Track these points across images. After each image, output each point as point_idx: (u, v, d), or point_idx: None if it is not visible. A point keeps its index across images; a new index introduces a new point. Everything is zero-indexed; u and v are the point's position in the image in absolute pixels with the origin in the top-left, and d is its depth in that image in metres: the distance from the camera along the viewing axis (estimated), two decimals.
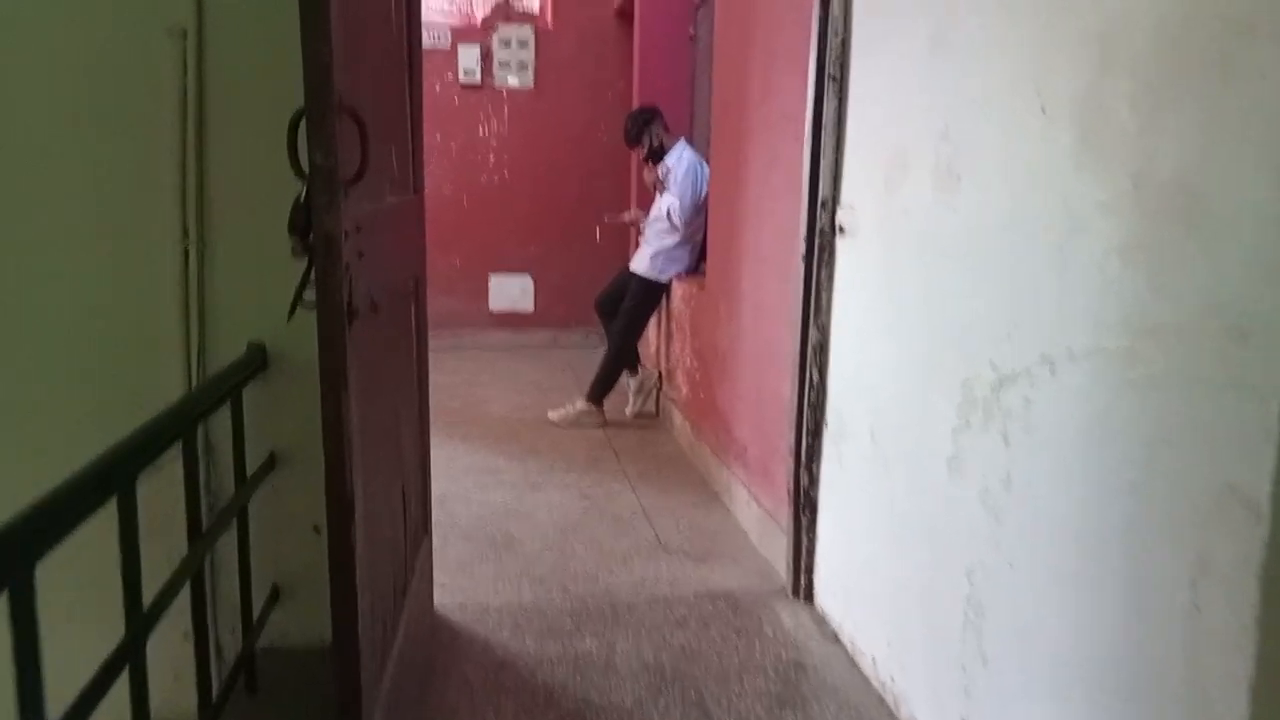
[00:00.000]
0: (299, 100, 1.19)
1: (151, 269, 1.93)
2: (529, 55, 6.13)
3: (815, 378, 2.46)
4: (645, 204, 4.84)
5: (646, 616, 2.46)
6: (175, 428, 1.43)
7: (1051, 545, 1.47)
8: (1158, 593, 1.24)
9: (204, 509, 1.99)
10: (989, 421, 1.64)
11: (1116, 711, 1.32)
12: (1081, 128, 1.39)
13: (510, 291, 6.47)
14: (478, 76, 6.10)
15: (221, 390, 1.71)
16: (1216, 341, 1.13)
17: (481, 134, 6.25)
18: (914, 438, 1.95)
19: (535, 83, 6.19)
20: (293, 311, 1.33)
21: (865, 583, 2.23)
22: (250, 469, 1.86)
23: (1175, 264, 1.20)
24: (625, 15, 5.91)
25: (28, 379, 1.93)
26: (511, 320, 6.50)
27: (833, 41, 2.35)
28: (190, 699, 1.62)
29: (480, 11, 6.08)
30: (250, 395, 1.87)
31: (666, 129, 4.60)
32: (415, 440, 2.01)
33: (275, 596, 2.02)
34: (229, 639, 1.98)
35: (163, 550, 1.42)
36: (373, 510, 1.48)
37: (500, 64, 6.12)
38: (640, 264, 4.59)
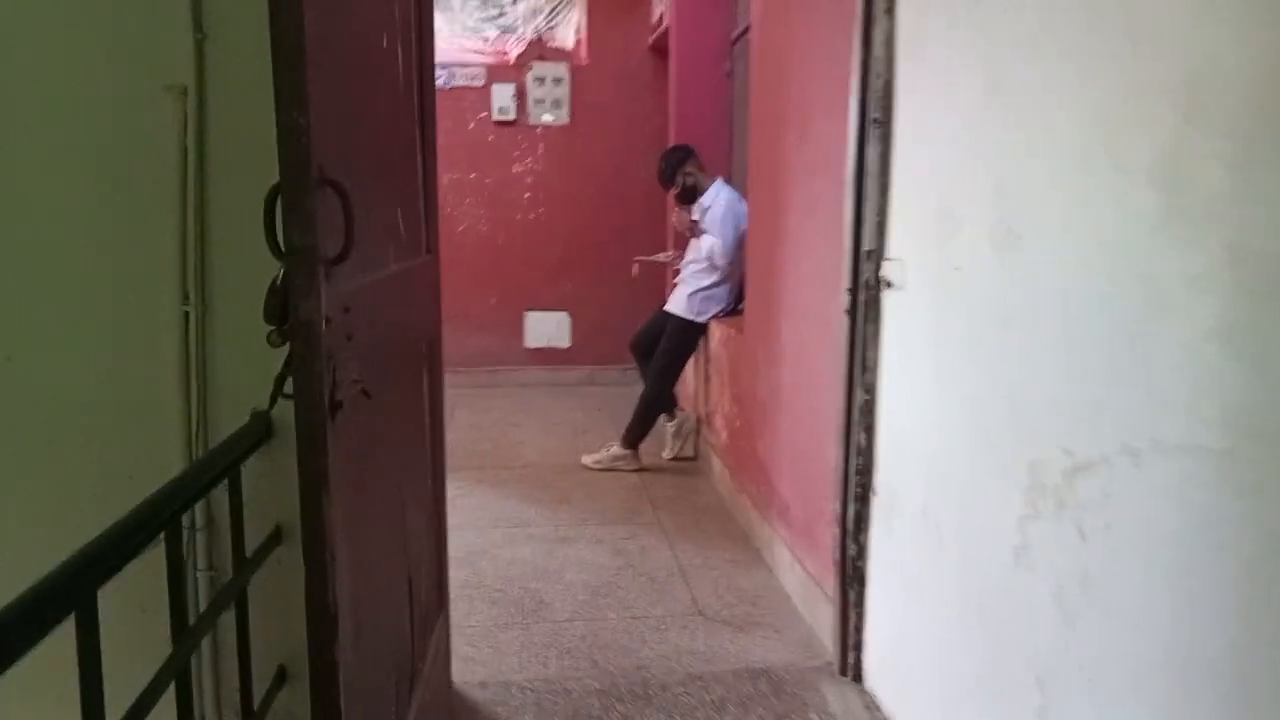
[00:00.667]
0: None
1: (150, 333, 1.83)
2: (564, 92, 6.06)
3: (862, 441, 2.28)
4: (681, 244, 4.70)
5: (681, 698, 2.29)
6: (155, 520, 1.31)
7: (1138, 664, 1.28)
8: None
9: (204, 588, 1.88)
10: (1061, 511, 1.46)
11: None
12: (1165, 190, 1.22)
13: (546, 328, 6.36)
14: (513, 113, 6.04)
15: (220, 465, 1.58)
16: None
17: (516, 171, 6.18)
18: (974, 518, 1.76)
19: (570, 119, 6.11)
20: (273, 403, 1.20)
21: (921, 669, 2.03)
22: (256, 543, 1.74)
23: None
24: (660, 50, 5.81)
25: (22, 447, 1.84)
26: (547, 357, 6.39)
27: (875, 84, 2.19)
28: None
29: (515, 49, 6.03)
30: (254, 466, 1.75)
31: (702, 168, 4.46)
32: (428, 517, 1.88)
33: (282, 678, 1.89)
34: None
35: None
36: (368, 611, 1.34)
37: (535, 101, 6.06)
38: (678, 304, 4.45)
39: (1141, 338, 1.27)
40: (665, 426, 4.56)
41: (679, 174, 4.44)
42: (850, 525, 2.32)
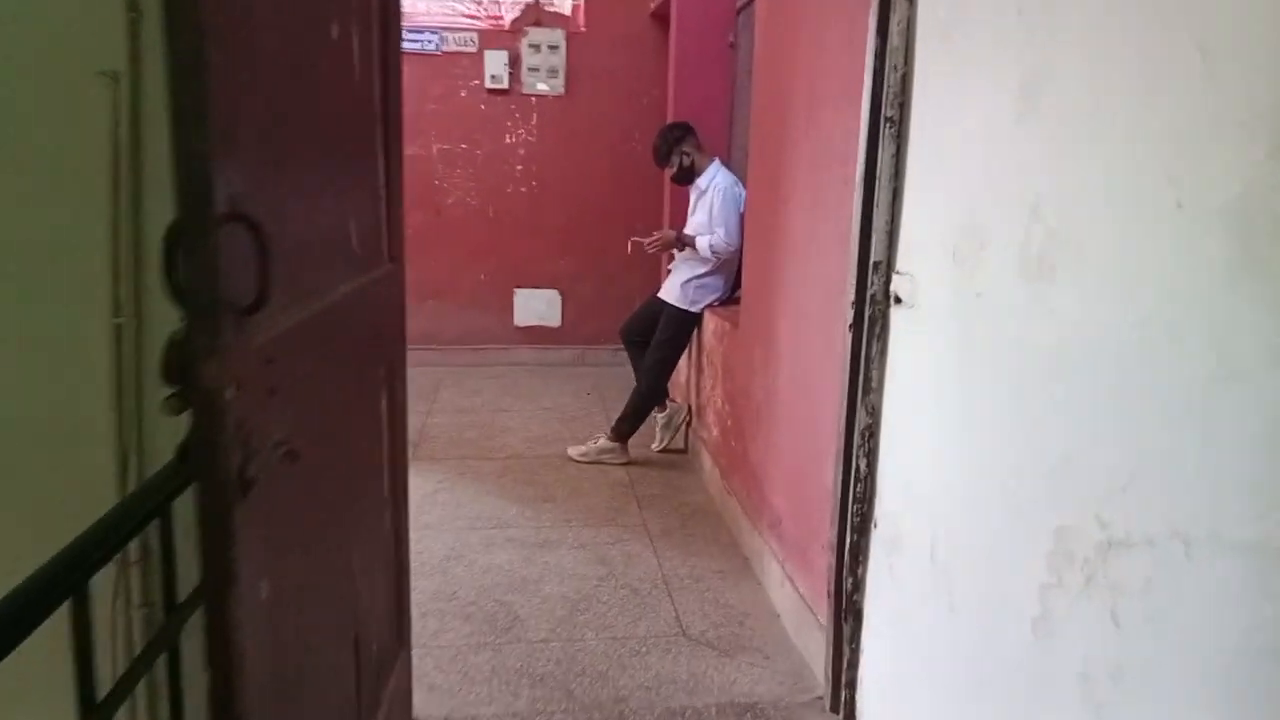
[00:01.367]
0: None
1: (78, 347, 1.64)
2: (559, 60, 5.80)
3: (863, 467, 2.10)
4: (679, 222, 4.48)
5: None
6: (55, 589, 1.13)
7: None
8: None
9: (139, 629, 1.71)
10: (1091, 589, 1.29)
11: None
12: (1241, 238, 1.03)
13: (537, 306, 6.16)
14: (505, 82, 5.78)
15: (142, 511, 1.40)
16: None
17: (509, 142, 5.94)
18: (988, 576, 1.59)
19: (566, 89, 5.86)
20: (176, 486, 1.01)
21: None
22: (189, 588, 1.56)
23: None
24: (662, 19, 5.55)
25: None
26: (537, 336, 6.19)
27: (890, 77, 1.98)
28: None
29: (509, 13, 5.76)
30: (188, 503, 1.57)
31: (700, 147, 4.23)
32: (385, 560, 1.70)
33: None
34: None
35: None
36: (295, 694, 1.17)
37: (529, 69, 5.80)
38: (671, 293, 4.25)
39: (1202, 408, 1.09)
40: (656, 417, 4.38)
41: (676, 152, 4.21)
42: (847, 557, 2.15)
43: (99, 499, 1.48)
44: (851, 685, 2.21)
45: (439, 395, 5.18)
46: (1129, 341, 1.24)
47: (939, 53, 1.85)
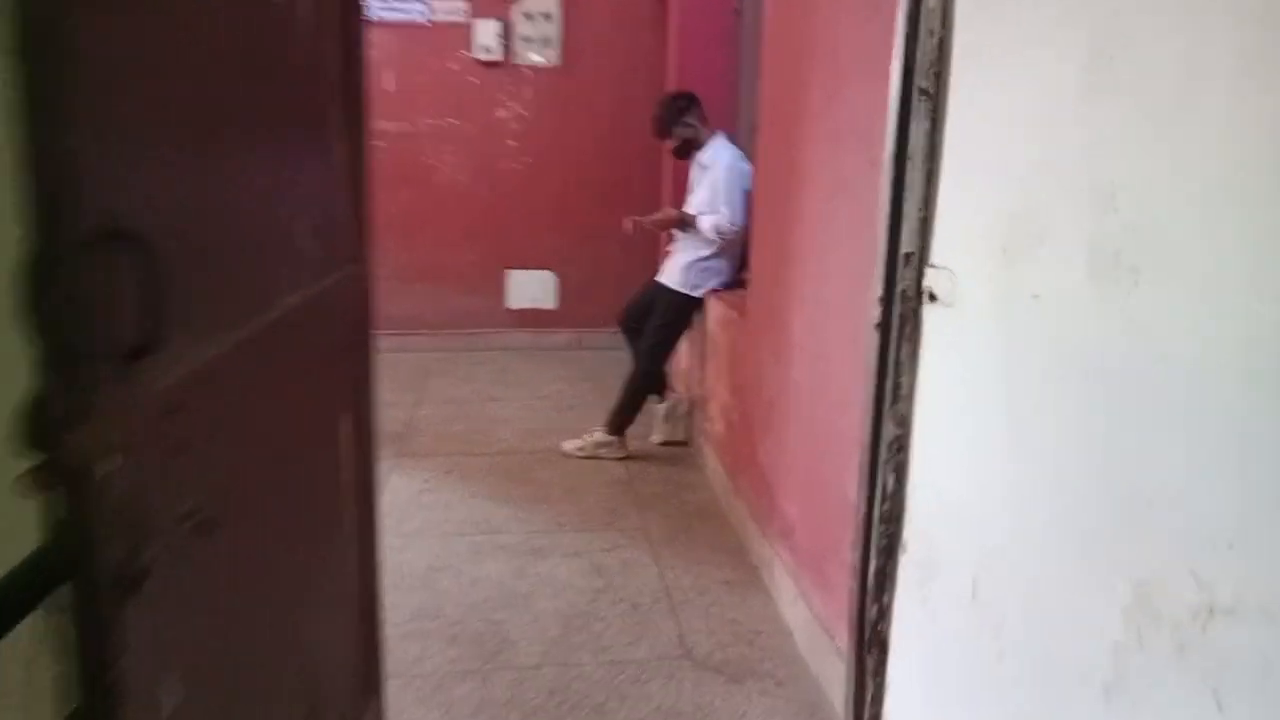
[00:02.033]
0: None
1: None
2: (554, 30, 5.52)
3: (890, 484, 1.89)
4: (679, 200, 4.24)
5: None
6: None
7: None
8: None
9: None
10: (1184, 659, 1.08)
11: None
12: None
13: (530, 288, 5.92)
14: (497, 53, 5.50)
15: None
16: None
17: (501, 116, 5.67)
18: (1043, 622, 1.38)
19: (561, 60, 5.59)
20: (40, 589, 0.78)
21: None
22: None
23: None
24: None
25: None
26: (532, 319, 5.96)
27: (926, 42, 1.75)
28: None
29: None
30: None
31: (704, 120, 3.99)
32: (348, 607, 1.48)
33: None
34: None
35: None
36: None
37: (522, 39, 5.53)
38: (671, 276, 4.01)
39: None
40: (655, 408, 4.17)
41: (678, 125, 3.97)
42: (871, 582, 1.94)
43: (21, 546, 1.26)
44: None
45: (427, 384, 4.95)
46: (1233, 364, 1.02)
47: (984, 14, 1.62)
